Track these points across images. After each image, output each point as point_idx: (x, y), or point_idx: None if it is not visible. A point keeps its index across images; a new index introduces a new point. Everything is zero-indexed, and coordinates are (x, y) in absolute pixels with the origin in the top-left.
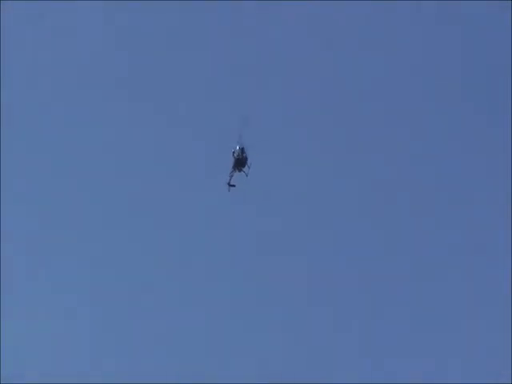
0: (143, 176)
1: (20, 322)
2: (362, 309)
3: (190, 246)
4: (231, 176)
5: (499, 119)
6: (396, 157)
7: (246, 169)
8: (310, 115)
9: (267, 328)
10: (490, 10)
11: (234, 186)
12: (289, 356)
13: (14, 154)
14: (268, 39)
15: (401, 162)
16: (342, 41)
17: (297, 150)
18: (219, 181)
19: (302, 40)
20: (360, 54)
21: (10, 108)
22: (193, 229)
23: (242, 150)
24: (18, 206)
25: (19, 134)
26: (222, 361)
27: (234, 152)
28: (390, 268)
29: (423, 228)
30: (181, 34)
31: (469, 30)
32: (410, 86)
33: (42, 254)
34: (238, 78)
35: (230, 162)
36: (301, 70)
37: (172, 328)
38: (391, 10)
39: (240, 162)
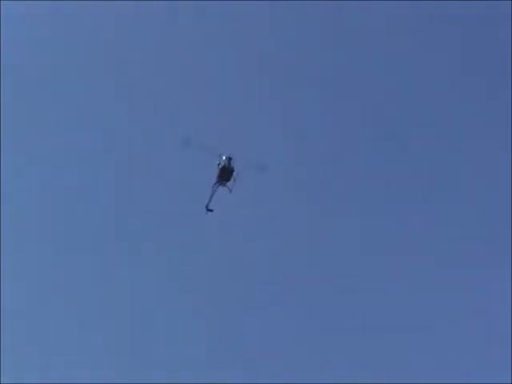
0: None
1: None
2: None
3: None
4: (212, 195)
5: (499, 118)
6: None
7: (230, 183)
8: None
9: None
10: (490, 10)
11: (211, 210)
12: None
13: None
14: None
15: None
16: (342, 41)
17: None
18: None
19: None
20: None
21: (9, 108)
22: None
23: (230, 160)
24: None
25: (19, 133)
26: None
27: (219, 163)
28: None
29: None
30: (181, 35)
31: (469, 29)
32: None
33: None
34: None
35: (214, 174)
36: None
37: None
38: (392, 10)
39: (225, 173)
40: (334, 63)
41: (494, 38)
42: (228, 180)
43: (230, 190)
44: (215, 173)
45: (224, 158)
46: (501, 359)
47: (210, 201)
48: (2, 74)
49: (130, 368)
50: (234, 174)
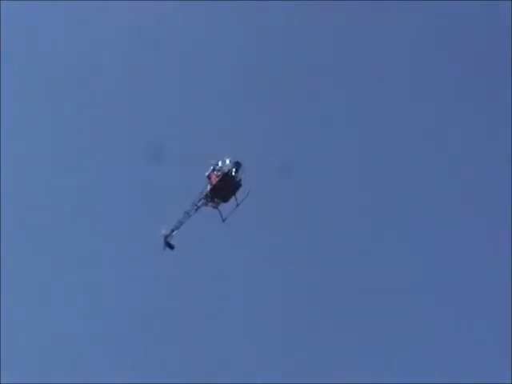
0: None
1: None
2: None
3: None
4: (182, 221)
5: (499, 118)
6: None
7: (229, 204)
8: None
9: None
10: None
11: (172, 247)
12: None
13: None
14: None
15: None
16: (343, 40)
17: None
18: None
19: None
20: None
21: (9, 107)
22: None
23: (238, 165)
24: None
25: (19, 133)
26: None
27: (214, 167)
28: None
29: None
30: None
31: (468, 28)
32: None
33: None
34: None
35: (203, 186)
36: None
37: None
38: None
39: (226, 187)
40: (333, 63)
41: (493, 37)
42: (226, 200)
43: (224, 219)
44: (205, 184)
45: (228, 161)
46: (501, 359)
47: (174, 230)
48: (1, 74)
49: (131, 368)
50: (238, 192)
